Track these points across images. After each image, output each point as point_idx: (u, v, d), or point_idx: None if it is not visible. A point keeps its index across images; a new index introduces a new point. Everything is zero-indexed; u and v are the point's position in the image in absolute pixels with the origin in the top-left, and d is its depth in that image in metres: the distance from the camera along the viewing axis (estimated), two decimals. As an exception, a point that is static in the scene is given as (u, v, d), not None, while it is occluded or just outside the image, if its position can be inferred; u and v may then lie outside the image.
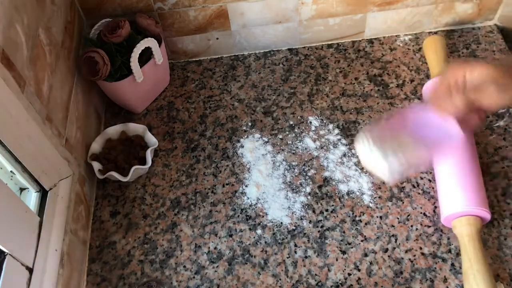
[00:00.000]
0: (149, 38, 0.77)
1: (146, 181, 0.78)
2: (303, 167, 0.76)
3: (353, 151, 0.77)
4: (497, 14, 0.88)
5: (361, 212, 0.71)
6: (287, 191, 0.74)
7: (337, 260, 0.67)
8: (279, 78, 0.87)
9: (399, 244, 0.68)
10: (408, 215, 0.70)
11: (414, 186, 0.72)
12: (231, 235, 0.71)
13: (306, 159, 0.77)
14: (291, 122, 0.81)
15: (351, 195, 0.73)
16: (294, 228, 0.70)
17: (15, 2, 0.59)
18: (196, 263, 0.69)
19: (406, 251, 0.67)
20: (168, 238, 0.72)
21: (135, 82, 0.78)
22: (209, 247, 0.70)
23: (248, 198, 0.74)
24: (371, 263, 0.66)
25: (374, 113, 0.80)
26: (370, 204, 0.71)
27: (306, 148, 0.78)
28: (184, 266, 0.69)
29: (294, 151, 0.78)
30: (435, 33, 0.90)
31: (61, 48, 0.72)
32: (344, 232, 0.69)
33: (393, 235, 0.68)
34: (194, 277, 0.68)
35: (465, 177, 0.67)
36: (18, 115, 0.58)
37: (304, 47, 0.91)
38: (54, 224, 0.64)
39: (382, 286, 0.64)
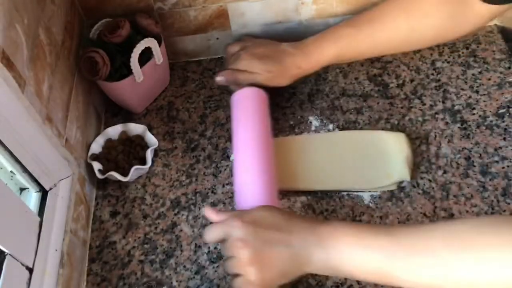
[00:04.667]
0: (149, 38, 0.77)
1: (146, 181, 0.78)
2: (303, 167, 0.76)
3: (353, 151, 0.76)
4: (497, 14, 0.88)
5: (361, 212, 0.71)
6: (287, 190, 0.74)
7: (337, 260, 0.67)
8: (279, 78, 0.87)
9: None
10: (408, 215, 0.70)
11: (414, 186, 0.72)
12: (231, 235, 0.71)
13: (306, 159, 0.77)
14: (291, 122, 0.81)
15: (351, 195, 0.72)
16: (294, 228, 0.70)
17: (15, 2, 0.59)
18: (196, 263, 0.69)
19: (406, 251, 0.67)
20: (168, 238, 0.72)
21: (135, 82, 0.78)
22: (209, 247, 0.70)
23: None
24: (371, 263, 0.66)
25: (374, 113, 0.80)
26: (370, 204, 0.71)
27: (306, 148, 0.78)
28: (184, 266, 0.69)
29: (294, 151, 0.78)
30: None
31: (61, 48, 0.72)
32: (344, 232, 0.69)
33: (393, 235, 0.68)
34: (194, 277, 0.68)
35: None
36: (18, 115, 0.58)
37: (304, 47, 0.91)
38: (54, 224, 0.64)
39: (382, 286, 0.64)
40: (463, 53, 0.85)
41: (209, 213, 0.64)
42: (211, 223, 0.63)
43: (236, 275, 0.58)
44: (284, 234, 0.57)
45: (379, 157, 0.74)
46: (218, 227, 0.61)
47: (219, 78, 0.78)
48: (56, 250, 0.63)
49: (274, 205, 0.65)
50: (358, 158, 0.75)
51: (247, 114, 0.74)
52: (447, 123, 0.78)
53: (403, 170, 0.71)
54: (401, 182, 0.72)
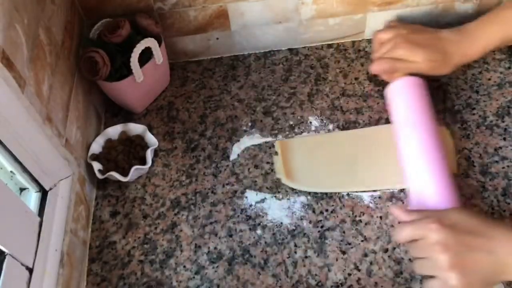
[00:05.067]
0: (149, 38, 0.77)
1: (146, 181, 0.78)
2: (303, 167, 0.76)
3: (353, 151, 0.76)
4: (497, 14, 0.88)
5: (361, 212, 0.71)
6: (287, 191, 0.74)
7: (337, 260, 0.67)
8: (279, 78, 0.88)
9: (399, 244, 0.68)
10: (408, 215, 0.70)
11: (414, 186, 0.72)
12: (231, 235, 0.71)
13: (306, 159, 0.77)
14: (291, 122, 0.81)
15: (351, 195, 0.72)
16: (294, 228, 0.70)
17: (15, 2, 0.59)
18: (196, 263, 0.69)
19: (406, 251, 0.67)
20: (168, 238, 0.72)
21: (135, 82, 0.78)
22: (209, 247, 0.70)
23: (248, 198, 0.74)
24: (371, 263, 0.66)
25: (374, 113, 0.80)
26: (370, 204, 0.71)
27: (306, 148, 0.78)
28: (184, 266, 0.69)
29: (294, 151, 0.78)
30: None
31: (61, 48, 0.72)
32: (344, 232, 0.69)
33: (393, 235, 0.68)
34: (194, 277, 0.68)
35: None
36: (18, 115, 0.58)
37: (304, 47, 0.91)
38: (54, 224, 0.64)
39: (382, 286, 0.64)
40: (463, 53, 0.85)
41: (398, 212, 0.62)
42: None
43: (431, 277, 0.56)
44: (485, 240, 0.55)
45: None
46: (411, 227, 0.58)
47: (375, 67, 0.75)
48: (56, 250, 0.63)
49: (457, 200, 0.64)
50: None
51: (417, 105, 0.71)
52: (447, 123, 0.78)
53: (451, 163, 0.71)
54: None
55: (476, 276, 0.55)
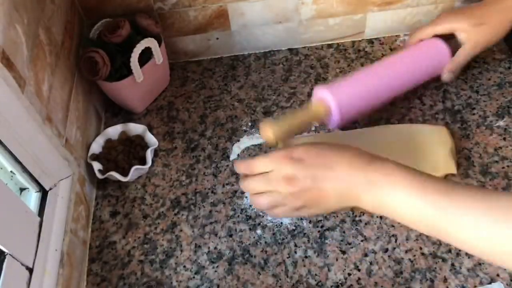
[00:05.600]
0: (149, 38, 0.77)
1: (146, 181, 0.78)
2: (303, 167, 0.76)
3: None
4: (497, 14, 0.88)
5: (361, 212, 0.71)
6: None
7: (337, 260, 0.67)
8: (279, 78, 0.88)
9: (399, 244, 0.68)
10: (408, 215, 0.70)
11: (414, 186, 0.72)
12: (231, 235, 0.71)
13: (306, 159, 0.77)
14: (291, 122, 0.81)
15: (351, 195, 0.72)
16: (294, 228, 0.70)
17: (15, 2, 0.59)
18: (196, 263, 0.69)
19: (406, 251, 0.67)
20: (168, 238, 0.72)
21: (135, 82, 0.78)
22: (209, 247, 0.70)
23: (248, 198, 0.74)
24: (371, 263, 0.66)
25: (374, 113, 0.80)
26: (370, 204, 0.71)
27: (306, 148, 0.78)
28: (184, 266, 0.69)
29: (294, 151, 0.78)
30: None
31: (61, 48, 0.72)
32: (344, 232, 0.69)
33: (393, 235, 0.68)
34: (194, 277, 0.68)
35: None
36: (18, 115, 0.58)
37: (304, 47, 0.91)
38: (54, 224, 0.64)
39: (382, 286, 0.64)
40: (463, 53, 0.85)
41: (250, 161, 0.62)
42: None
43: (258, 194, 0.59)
44: (330, 171, 0.55)
45: (423, 151, 0.73)
46: (267, 159, 0.58)
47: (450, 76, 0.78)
48: (56, 250, 0.63)
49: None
50: (402, 152, 0.73)
51: (415, 58, 0.76)
52: (447, 123, 0.78)
53: (449, 163, 0.71)
54: (447, 175, 0.72)
55: (319, 208, 0.57)
